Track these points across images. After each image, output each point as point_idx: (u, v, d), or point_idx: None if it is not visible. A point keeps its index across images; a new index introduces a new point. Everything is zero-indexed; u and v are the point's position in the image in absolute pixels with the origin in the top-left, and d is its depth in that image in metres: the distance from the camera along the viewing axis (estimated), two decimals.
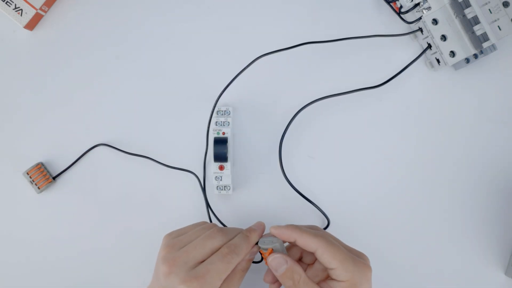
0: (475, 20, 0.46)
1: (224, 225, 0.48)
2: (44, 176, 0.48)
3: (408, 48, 0.51)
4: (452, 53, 0.48)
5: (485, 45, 0.46)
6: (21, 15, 0.48)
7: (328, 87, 0.49)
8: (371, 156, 0.50)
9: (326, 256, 0.36)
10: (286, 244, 0.41)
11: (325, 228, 0.48)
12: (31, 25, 0.50)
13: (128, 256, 0.49)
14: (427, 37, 0.49)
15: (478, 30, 0.46)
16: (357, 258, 0.37)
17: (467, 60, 0.49)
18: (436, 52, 0.49)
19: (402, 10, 0.49)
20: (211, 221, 0.48)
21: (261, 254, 0.41)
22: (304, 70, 0.51)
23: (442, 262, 0.49)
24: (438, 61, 0.49)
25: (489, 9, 0.46)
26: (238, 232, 0.41)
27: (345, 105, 0.50)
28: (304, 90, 0.50)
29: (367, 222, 0.49)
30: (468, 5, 0.46)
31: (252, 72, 0.47)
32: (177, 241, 0.39)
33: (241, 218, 0.49)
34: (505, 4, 0.46)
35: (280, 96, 0.50)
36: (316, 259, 0.39)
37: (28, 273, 0.49)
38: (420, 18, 0.48)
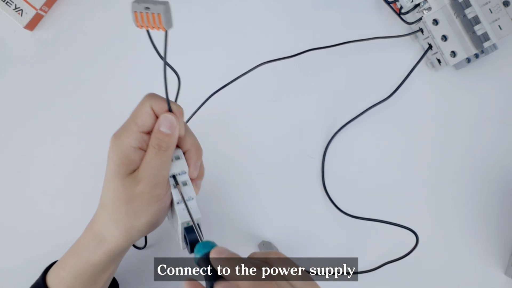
0: (476, 20, 0.46)
1: None
2: None
3: (409, 48, 0.51)
4: (453, 53, 0.48)
5: (486, 44, 0.46)
6: (21, 15, 0.48)
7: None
8: (370, 157, 0.50)
9: None
10: None
11: None
12: (31, 26, 0.50)
13: None
14: (428, 37, 0.49)
15: (478, 30, 0.46)
16: None
17: (468, 60, 0.49)
18: (437, 53, 0.49)
19: (403, 11, 0.49)
20: None
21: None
22: (307, 78, 0.51)
23: (442, 262, 0.49)
24: (439, 61, 0.49)
25: (490, 9, 0.46)
26: None
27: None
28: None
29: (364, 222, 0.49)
30: (468, 5, 0.46)
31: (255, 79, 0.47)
32: None
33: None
34: (506, 4, 0.45)
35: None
36: None
37: None
38: (421, 18, 0.48)
